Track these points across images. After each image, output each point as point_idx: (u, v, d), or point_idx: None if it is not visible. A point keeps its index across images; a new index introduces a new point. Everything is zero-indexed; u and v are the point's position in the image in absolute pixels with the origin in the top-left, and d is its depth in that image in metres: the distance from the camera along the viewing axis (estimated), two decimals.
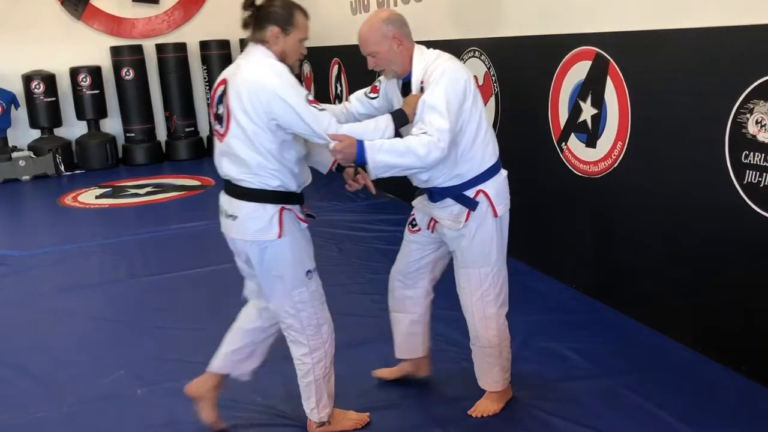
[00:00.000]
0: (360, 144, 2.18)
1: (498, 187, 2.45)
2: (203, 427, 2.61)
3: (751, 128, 2.58)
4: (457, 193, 2.41)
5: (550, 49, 3.69)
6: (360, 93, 2.63)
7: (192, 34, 8.85)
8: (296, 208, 2.31)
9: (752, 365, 2.73)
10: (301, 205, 2.36)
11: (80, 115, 8.47)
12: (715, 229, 2.83)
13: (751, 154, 2.59)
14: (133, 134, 8.61)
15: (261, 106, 2.13)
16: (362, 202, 5.94)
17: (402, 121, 2.31)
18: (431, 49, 2.41)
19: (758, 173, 2.58)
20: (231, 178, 2.27)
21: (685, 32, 2.84)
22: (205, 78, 8.80)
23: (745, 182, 2.64)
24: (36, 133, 8.45)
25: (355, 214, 5.58)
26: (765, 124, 2.53)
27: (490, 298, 2.51)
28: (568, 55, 3.56)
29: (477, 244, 2.44)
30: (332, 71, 6.82)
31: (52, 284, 4.48)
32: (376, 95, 2.56)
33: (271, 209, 2.22)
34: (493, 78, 4.28)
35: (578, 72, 3.50)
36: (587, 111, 3.47)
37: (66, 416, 2.82)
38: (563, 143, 3.68)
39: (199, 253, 4.88)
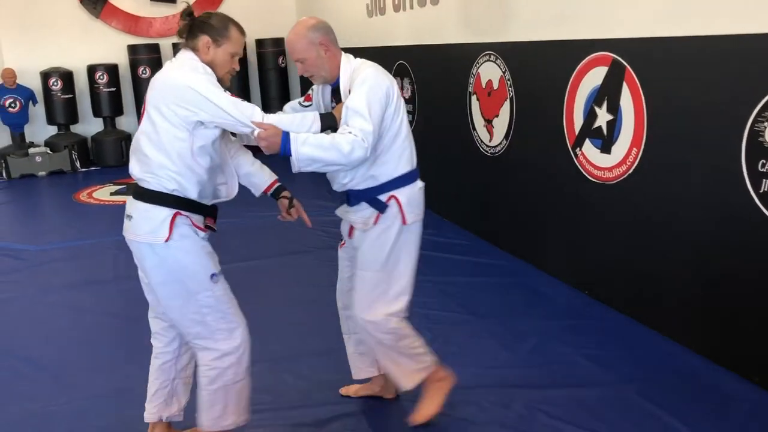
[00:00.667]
0: (285, 135, 2.19)
1: (411, 196, 2.45)
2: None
3: None
4: (371, 196, 2.44)
5: (566, 54, 3.68)
6: (294, 102, 2.70)
7: (249, 32, 8.90)
8: (196, 217, 2.23)
9: (765, 375, 2.71)
10: (207, 217, 2.29)
11: (96, 113, 8.55)
12: (729, 238, 2.81)
13: None
14: None
15: (176, 102, 2.11)
16: None
17: (329, 123, 2.32)
18: (357, 58, 2.45)
19: None
20: (134, 177, 2.23)
21: (704, 39, 2.82)
22: (259, 76, 8.83)
23: (761, 191, 2.61)
24: (53, 130, 8.54)
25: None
26: None
27: (379, 304, 2.46)
28: (584, 61, 3.55)
29: (376, 247, 2.44)
30: None
31: (65, 279, 4.52)
32: (309, 103, 2.61)
33: (163, 212, 2.17)
34: (508, 82, 4.28)
35: (594, 77, 3.49)
36: (602, 117, 3.45)
37: (77, 410, 2.84)
38: (578, 149, 3.67)
39: (228, 250, 4.89)
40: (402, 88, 5.93)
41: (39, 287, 4.39)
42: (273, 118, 2.22)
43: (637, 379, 2.86)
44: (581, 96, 3.59)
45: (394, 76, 5.99)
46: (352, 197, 2.48)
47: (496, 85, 4.40)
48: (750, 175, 2.65)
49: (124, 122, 8.82)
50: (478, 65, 4.62)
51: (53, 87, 8.29)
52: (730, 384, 2.78)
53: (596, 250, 3.67)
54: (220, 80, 2.23)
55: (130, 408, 2.82)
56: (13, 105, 8.09)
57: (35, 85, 8.33)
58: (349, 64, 2.41)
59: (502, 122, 4.39)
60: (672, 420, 2.55)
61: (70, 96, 8.40)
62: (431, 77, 5.44)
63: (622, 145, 3.35)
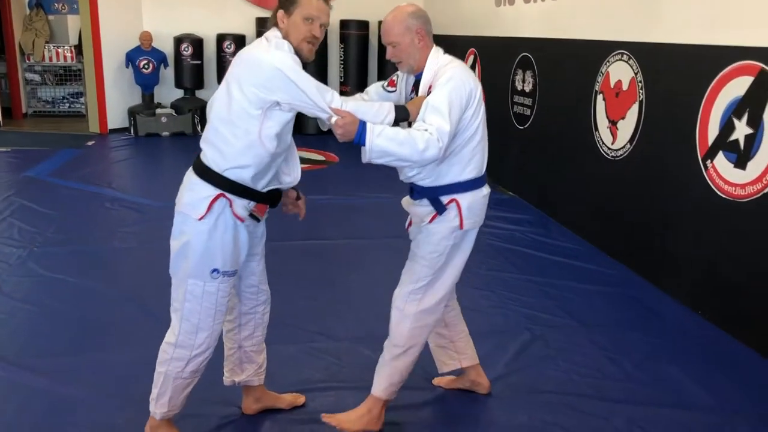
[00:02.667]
0: (362, 124, 2.15)
1: (473, 203, 2.40)
2: (306, 384, 2.68)
3: None
4: (433, 196, 2.39)
5: (708, 60, 3.47)
6: (377, 85, 2.60)
7: (333, 13, 9.02)
8: (240, 202, 2.18)
9: None
10: (258, 203, 2.23)
11: (221, 80, 8.86)
12: None
13: None
14: None
15: (257, 79, 2.06)
16: None
17: (403, 116, 2.27)
18: (446, 55, 2.38)
19: None
20: (201, 149, 2.22)
21: None
22: (341, 57, 8.97)
23: None
24: (179, 93, 8.96)
25: None
26: None
27: (416, 297, 2.43)
28: (727, 69, 3.34)
29: (430, 243, 2.40)
30: (467, 62, 6.76)
31: None
32: (393, 89, 2.54)
33: (208, 189, 2.13)
34: (640, 84, 4.09)
35: (736, 87, 3.27)
36: (741, 129, 3.24)
37: None
38: (709, 161, 3.47)
39: (317, 226, 5.00)
40: (524, 81, 5.81)
41: (158, 241, 4.57)
42: (351, 105, 2.17)
43: (744, 412, 2.69)
44: (719, 105, 3.38)
45: (517, 68, 5.88)
46: (416, 191, 2.45)
47: (625, 86, 4.22)
48: None
49: (205, 95, 9.10)
50: (608, 64, 4.44)
51: (184, 52, 8.69)
52: None
53: (716, 271, 3.46)
54: (298, 52, 2.16)
55: None
56: (146, 66, 8.54)
57: (168, 49, 8.75)
58: (436, 60, 2.36)
59: (627, 125, 4.21)
60: None
61: (198, 62, 8.77)
62: (556, 72, 5.29)
63: (760, 162, 3.13)
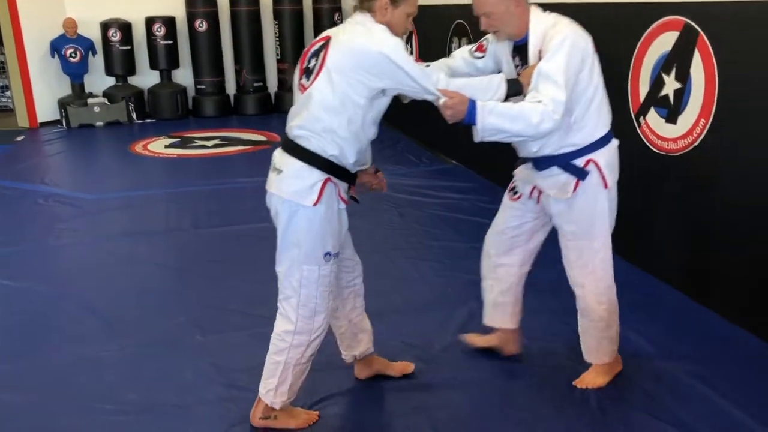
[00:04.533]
0: (471, 103, 2.09)
1: (609, 158, 2.34)
2: (255, 382, 2.64)
3: None
4: (564, 162, 2.31)
5: (635, 18, 3.50)
6: (464, 50, 2.51)
7: None
8: (343, 186, 2.22)
9: None
10: (350, 186, 2.28)
11: (153, 65, 8.63)
12: None
13: None
14: (203, 86, 8.73)
15: (364, 68, 2.06)
16: (426, 167, 5.88)
17: (515, 89, 2.21)
18: (547, 12, 2.29)
19: None
20: (291, 134, 2.19)
21: None
22: (276, 34, 8.80)
23: None
24: (111, 81, 8.66)
25: (419, 179, 5.52)
26: None
27: (602, 273, 2.44)
28: (654, 25, 3.38)
29: (587, 216, 2.36)
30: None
31: (119, 228, 4.62)
32: (482, 54, 2.44)
33: (317, 175, 2.13)
34: None
35: (664, 43, 3.32)
36: (670, 85, 3.29)
37: (127, 357, 2.91)
38: (641, 117, 3.52)
39: (264, 207, 4.89)
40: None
41: (94, 235, 4.50)
42: (458, 83, 2.13)
43: (691, 360, 2.79)
44: (649, 62, 3.43)
45: (452, 36, 5.86)
46: (542, 162, 2.35)
47: None
48: None
49: (180, 75, 8.88)
50: None
51: (112, 38, 8.38)
52: None
53: (656, 224, 3.54)
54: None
55: (178, 357, 2.88)
56: (73, 55, 8.21)
57: (95, 35, 8.43)
58: (540, 22, 2.24)
59: None
60: (722, 401, 2.47)
61: (128, 48, 8.48)
62: None
63: (689, 116, 3.19)
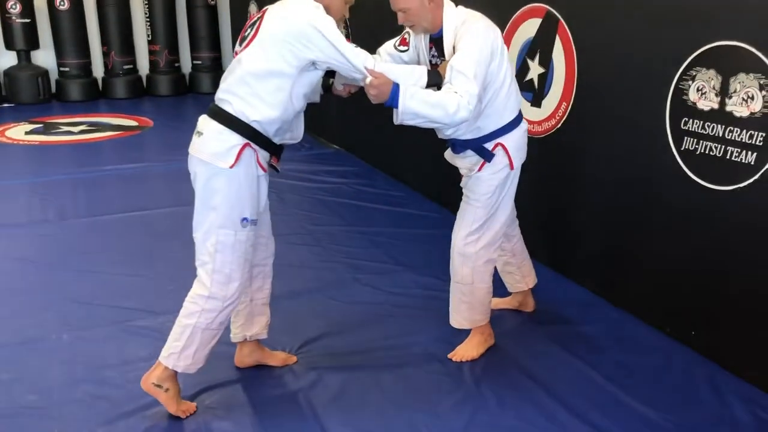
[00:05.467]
0: (395, 86, 2.19)
1: (517, 141, 2.54)
2: (126, 377, 2.56)
3: (692, 95, 2.61)
4: (476, 145, 2.52)
5: (502, 5, 3.64)
6: (389, 45, 2.64)
7: None
8: (263, 154, 2.23)
9: (675, 325, 2.83)
10: (272, 156, 2.29)
11: (9, 45, 7.99)
12: (652, 194, 2.88)
13: (690, 121, 2.63)
14: (67, 69, 8.19)
15: (296, 38, 2.09)
16: (307, 152, 5.84)
17: (435, 80, 2.32)
18: (459, 7, 2.43)
19: (695, 140, 2.62)
20: (216, 97, 2.22)
21: None
22: (146, 14, 8.40)
23: (682, 149, 2.68)
24: (11, 57, 7.95)
25: (300, 163, 5.47)
26: (705, 92, 2.56)
27: (473, 238, 2.60)
28: (519, 11, 3.52)
29: (483, 185, 2.55)
30: None
31: None
32: (406, 48, 2.58)
33: (236, 138, 2.15)
34: None
35: (528, 29, 3.47)
36: (534, 70, 3.45)
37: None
38: None
39: (134, 196, 4.72)
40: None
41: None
42: (383, 67, 2.20)
43: (546, 321, 2.97)
44: (515, 48, 3.57)
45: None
46: (457, 145, 2.57)
47: None
48: (673, 133, 2.71)
49: (40, 57, 8.28)
50: None
51: (11, 10, 7.66)
52: (645, 335, 2.90)
53: (519, 201, 3.70)
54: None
55: (42, 357, 2.72)
56: None
57: None
58: (453, 17, 2.39)
59: None
60: (590, 370, 2.64)
61: (27, 21, 7.79)
62: (369, 23, 5.31)
63: (552, 99, 3.36)
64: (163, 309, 3.00)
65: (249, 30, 2.21)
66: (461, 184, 2.68)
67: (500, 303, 3.07)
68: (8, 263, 3.66)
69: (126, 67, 8.44)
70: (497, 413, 2.39)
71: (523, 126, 2.59)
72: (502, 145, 2.51)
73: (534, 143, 3.49)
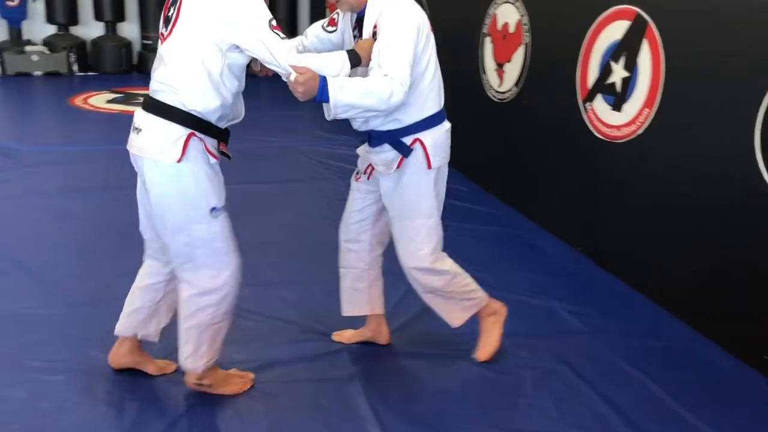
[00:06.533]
0: (323, 80, 2.04)
1: (436, 139, 2.37)
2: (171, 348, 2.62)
3: None
4: (393, 138, 2.33)
5: (589, 4, 3.54)
6: (317, 27, 2.49)
7: None
8: (210, 141, 2.10)
9: (751, 351, 2.72)
10: (220, 142, 2.17)
11: (98, 16, 8.28)
12: (731, 208, 2.77)
13: None
14: (150, 42, 8.41)
15: (220, 21, 1.98)
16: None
17: (354, 62, 2.16)
18: None
19: None
20: (151, 89, 2.10)
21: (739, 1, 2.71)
22: None
23: None
24: (52, 29, 8.28)
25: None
26: None
27: (424, 252, 2.43)
28: (606, 12, 3.42)
29: (409, 195, 2.38)
30: None
31: (54, 183, 4.45)
32: (334, 28, 2.43)
33: (178, 131, 2.02)
34: (525, 27, 4.14)
35: (615, 31, 3.37)
36: (618, 73, 3.35)
37: (56, 315, 2.83)
38: (588, 103, 3.58)
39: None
40: None
41: (28, 189, 4.33)
42: (306, 60, 2.04)
43: (610, 331, 2.93)
44: (599, 49, 3.48)
45: None
46: (374, 138, 2.37)
47: (512, 29, 4.26)
48: (763, 147, 2.59)
49: (126, 29, 8.55)
50: (495, 6, 4.47)
51: None
52: (722, 361, 2.76)
53: (594, 210, 3.62)
54: None
55: (109, 317, 2.80)
56: None
57: None
58: None
59: (513, 68, 4.27)
60: (652, 384, 2.56)
61: None
62: (445, 13, 5.27)
63: (634, 104, 3.26)
64: None
65: (171, 10, 2.07)
66: (373, 185, 2.47)
67: (353, 336, 2.74)
68: (81, 224, 3.81)
69: None
70: (556, 418, 2.35)
71: (446, 125, 2.42)
72: (420, 141, 2.32)
73: (610, 148, 3.42)
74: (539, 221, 4.09)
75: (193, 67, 2.01)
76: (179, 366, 2.31)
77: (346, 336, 2.76)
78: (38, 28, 8.22)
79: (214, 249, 2.15)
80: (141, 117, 2.10)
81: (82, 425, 2.22)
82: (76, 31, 8.34)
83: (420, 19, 2.23)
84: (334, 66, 2.09)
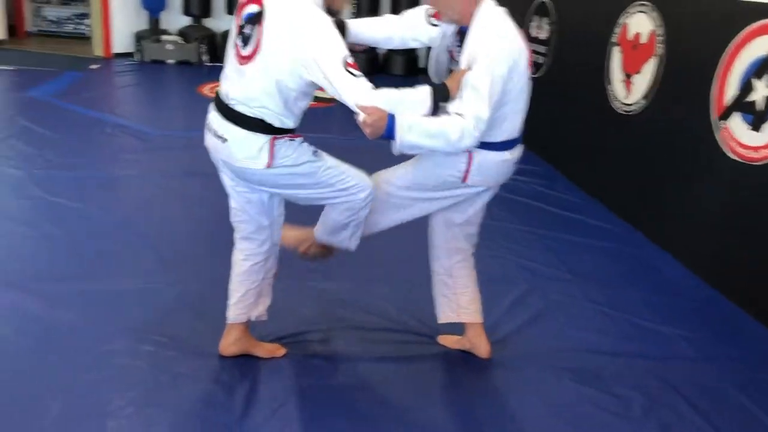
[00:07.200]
0: (390, 119, 2.03)
1: (484, 162, 2.29)
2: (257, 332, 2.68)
3: None
4: None
5: (733, 17, 3.35)
6: (421, 12, 2.41)
7: None
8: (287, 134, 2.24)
9: None
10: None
11: (231, 9, 8.66)
12: None
13: None
14: None
15: (297, 61, 2.04)
16: None
17: (443, 96, 2.13)
18: (498, 11, 2.18)
19: None
20: (228, 99, 2.19)
21: None
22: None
23: None
24: (187, 20, 8.75)
25: None
26: None
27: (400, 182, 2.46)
28: (751, 26, 3.22)
29: (435, 164, 2.36)
30: None
31: (180, 167, 4.69)
32: (438, 23, 2.35)
33: (261, 139, 2.15)
34: (659, 38, 3.96)
35: (759, 46, 3.16)
36: (761, 91, 3.14)
37: (177, 292, 2.97)
38: (723, 122, 3.38)
39: None
40: (539, 28, 5.65)
41: (156, 170, 4.60)
42: (382, 95, 2.04)
43: (720, 358, 2.78)
44: (740, 65, 3.28)
45: (533, 14, 5.71)
46: None
47: (644, 39, 4.09)
48: None
49: None
50: (627, 15, 4.30)
51: None
52: None
53: (722, 235, 3.42)
54: (336, 12, 2.16)
55: (222, 300, 2.92)
56: None
57: None
58: (484, 19, 2.15)
59: (642, 80, 4.10)
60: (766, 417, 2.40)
61: None
62: (573, 21, 5.14)
63: None
64: (340, 276, 3.14)
65: (248, 28, 2.12)
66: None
67: (455, 342, 2.69)
68: (205, 208, 3.97)
69: None
70: None
71: (505, 155, 2.31)
72: (471, 156, 2.26)
73: (745, 170, 3.21)
74: (658, 240, 3.91)
75: (271, 95, 2.11)
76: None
77: (449, 341, 2.74)
78: (174, 18, 8.72)
79: (343, 174, 2.28)
80: (223, 127, 2.20)
81: (195, 401, 2.33)
82: (208, 23, 8.77)
83: (517, 54, 2.14)
84: (412, 103, 2.08)
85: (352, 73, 2.02)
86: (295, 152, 2.21)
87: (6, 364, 2.43)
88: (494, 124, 2.20)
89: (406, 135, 2.05)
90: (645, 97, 4.08)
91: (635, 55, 4.20)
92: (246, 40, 2.13)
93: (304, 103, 2.21)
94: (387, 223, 2.49)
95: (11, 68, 7.42)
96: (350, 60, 2.03)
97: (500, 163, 2.33)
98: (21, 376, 2.36)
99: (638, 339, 2.91)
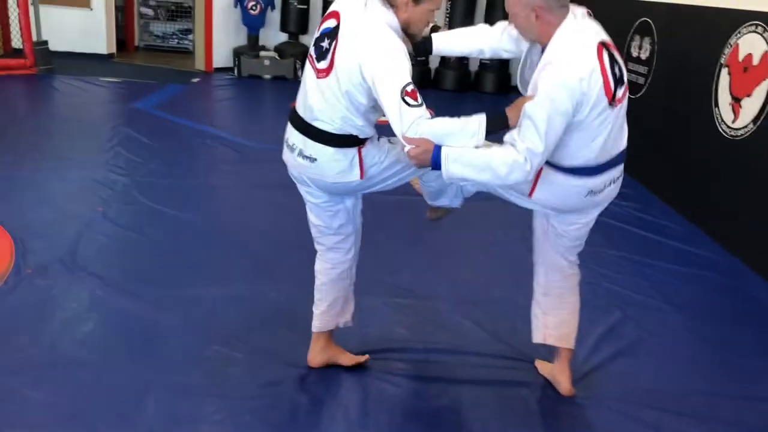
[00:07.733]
0: (436, 150, 2.01)
1: (554, 181, 2.17)
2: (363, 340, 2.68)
3: None
4: None
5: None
6: (505, 26, 2.35)
7: None
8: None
9: None
10: None
11: (284, 27, 8.86)
12: None
13: None
14: None
15: (365, 82, 2.06)
16: None
17: (500, 125, 2.06)
18: (576, 35, 2.02)
19: None
20: (310, 117, 2.20)
21: None
22: (447, 10, 8.74)
23: None
24: (283, 37, 9.02)
25: None
26: None
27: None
28: None
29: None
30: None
31: (273, 179, 4.74)
32: None
33: (349, 153, 2.20)
34: None
35: None
36: None
37: (270, 301, 3.05)
38: None
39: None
40: (641, 48, 5.48)
41: (252, 182, 4.73)
42: (430, 128, 2.01)
43: None
44: None
45: (634, 33, 5.56)
46: None
47: (756, 61, 3.89)
48: None
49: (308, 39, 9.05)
50: (739, 35, 4.11)
51: None
52: None
53: None
54: (412, 36, 2.18)
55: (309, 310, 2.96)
56: (254, 8, 8.62)
57: None
58: (560, 41, 2.02)
59: (753, 103, 3.90)
60: None
61: (305, 7, 8.75)
62: (678, 41, 4.96)
63: None
64: (420, 293, 3.13)
65: (326, 42, 2.14)
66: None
67: (544, 369, 2.65)
68: (296, 220, 4.00)
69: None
70: None
71: (579, 182, 2.16)
72: (538, 174, 2.15)
73: None
74: (763, 272, 3.69)
75: (348, 109, 2.14)
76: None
77: (542, 368, 2.67)
78: (272, 35, 9.01)
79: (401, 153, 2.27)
80: (309, 146, 2.22)
81: (283, 411, 2.37)
82: (304, 39, 9.00)
83: (586, 86, 1.97)
84: (463, 133, 2.02)
85: (407, 103, 2.00)
86: (379, 151, 2.26)
87: (107, 361, 2.54)
88: (575, 151, 2.11)
89: (452, 166, 2.03)
90: (754, 121, 3.87)
91: (745, 77, 4.00)
92: (322, 54, 2.17)
93: (375, 115, 2.23)
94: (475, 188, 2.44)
95: (118, 80, 7.85)
96: (410, 88, 2.01)
97: (569, 188, 2.20)
98: (121, 373, 2.47)
99: (737, 377, 2.76)
